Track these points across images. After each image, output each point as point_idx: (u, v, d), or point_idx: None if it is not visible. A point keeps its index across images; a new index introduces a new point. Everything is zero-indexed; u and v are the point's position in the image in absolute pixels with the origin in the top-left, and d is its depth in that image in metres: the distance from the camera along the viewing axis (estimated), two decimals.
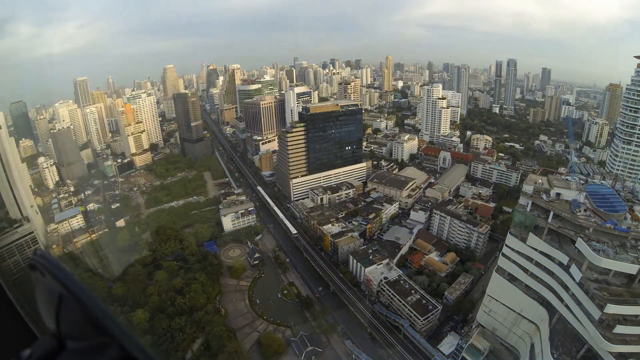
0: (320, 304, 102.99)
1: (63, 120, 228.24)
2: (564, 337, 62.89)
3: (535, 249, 69.31)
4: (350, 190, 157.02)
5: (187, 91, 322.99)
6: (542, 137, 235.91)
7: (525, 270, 72.09)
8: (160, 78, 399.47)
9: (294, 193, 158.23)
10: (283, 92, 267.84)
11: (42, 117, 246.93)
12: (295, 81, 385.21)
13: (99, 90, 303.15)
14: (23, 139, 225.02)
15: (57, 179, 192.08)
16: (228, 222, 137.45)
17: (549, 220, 67.51)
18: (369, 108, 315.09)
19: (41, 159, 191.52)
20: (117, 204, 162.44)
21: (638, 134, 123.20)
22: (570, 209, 67.43)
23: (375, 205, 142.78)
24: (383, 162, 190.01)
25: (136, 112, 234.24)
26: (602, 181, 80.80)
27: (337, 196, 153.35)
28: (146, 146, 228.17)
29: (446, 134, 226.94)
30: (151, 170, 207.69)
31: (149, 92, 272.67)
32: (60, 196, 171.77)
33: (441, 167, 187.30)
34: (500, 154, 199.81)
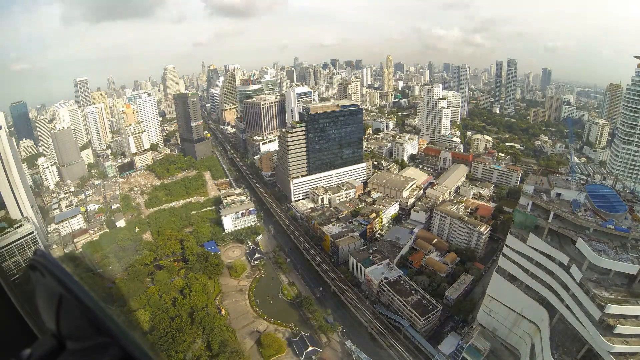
0: (321, 304, 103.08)
1: (63, 121, 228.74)
2: (564, 337, 62.80)
3: (536, 249, 69.25)
4: (351, 191, 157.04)
5: (187, 91, 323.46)
6: (543, 137, 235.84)
7: (526, 271, 72.04)
8: (160, 78, 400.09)
9: (295, 193, 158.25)
10: (283, 92, 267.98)
11: (42, 117, 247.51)
12: (295, 81, 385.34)
13: (100, 91, 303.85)
14: (23, 139, 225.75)
15: (58, 179, 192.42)
16: (228, 222, 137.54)
17: (550, 220, 67.48)
18: (370, 108, 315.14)
19: (41, 159, 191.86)
20: (118, 204, 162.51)
21: (638, 134, 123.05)
22: (570, 209, 67.41)
23: (375, 206, 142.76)
24: (383, 162, 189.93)
25: (136, 112, 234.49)
26: (603, 181, 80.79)
27: (338, 196, 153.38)
28: (146, 146, 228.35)
29: (446, 134, 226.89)
30: (151, 171, 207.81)
31: (150, 92, 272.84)
32: (61, 196, 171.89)
33: (441, 167, 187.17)
34: (500, 154, 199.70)
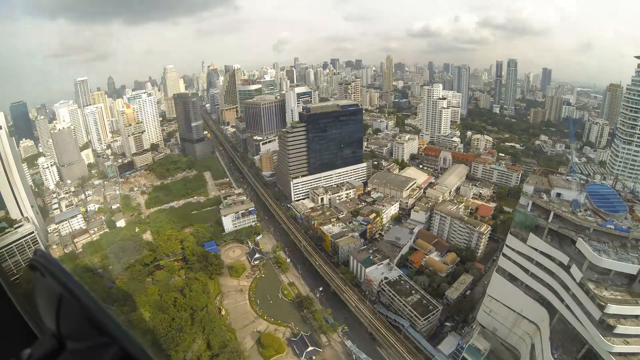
0: (321, 304, 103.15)
1: (63, 121, 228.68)
2: (564, 337, 62.82)
3: (536, 249, 69.25)
4: (351, 191, 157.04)
5: (187, 91, 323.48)
6: (543, 137, 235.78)
7: (526, 271, 72.05)
8: (160, 78, 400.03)
9: (295, 193, 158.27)
10: (284, 92, 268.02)
11: (42, 117, 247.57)
12: (295, 81, 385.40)
13: (100, 91, 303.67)
14: (23, 139, 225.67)
15: (58, 179, 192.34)
16: (229, 222, 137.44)
17: (550, 220, 67.46)
18: (370, 108, 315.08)
19: (41, 159, 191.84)
20: (118, 204, 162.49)
21: (638, 134, 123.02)
22: (570, 209, 67.39)
23: (375, 206, 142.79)
24: (383, 162, 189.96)
25: (136, 112, 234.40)
26: (603, 181, 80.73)
27: (338, 196, 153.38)
28: (146, 146, 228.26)
29: (446, 134, 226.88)
30: (152, 171, 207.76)
31: (150, 92, 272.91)
32: (61, 196, 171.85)
33: (441, 167, 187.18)
34: (500, 154, 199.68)
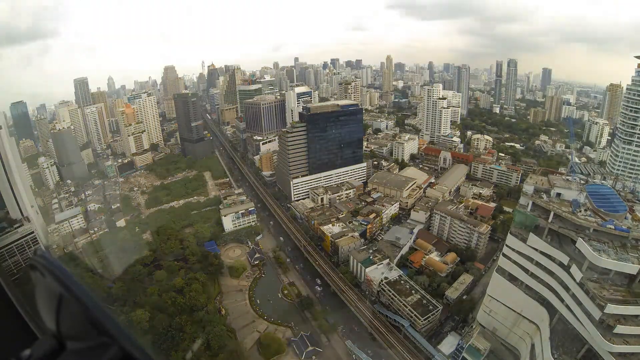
0: (321, 304, 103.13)
1: (63, 121, 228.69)
2: (564, 337, 62.84)
3: (536, 249, 69.28)
4: (351, 190, 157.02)
5: (187, 91, 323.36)
6: (543, 137, 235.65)
7: (526, 270, 72.07)
8: (160, 78, 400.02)
9: (295, 193, 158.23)
10: (283, 92, 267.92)
11: (42, 117, 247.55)
12: (295, 81, 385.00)
13: (100, 90, 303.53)
14: (23, 139, 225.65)
15: (58, 179, 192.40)
16: (228, 222, 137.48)
17: (550, 220, 67.46)
18: (370, 108, 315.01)
19: (41, 159, 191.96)
20: (118, 204, 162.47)
21: (638, 134, 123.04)
22: (570, 209, 67.39)
23: (375, 205, 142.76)
24: (383, 162, 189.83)
25: (136, 112, 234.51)
26: (603, 181, 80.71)
27: (338, 196, 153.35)
28: (146, 146, 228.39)
29: (446, 134, 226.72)
30: (152, 170, 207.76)
31: (150, 92, 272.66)
32: (61, 196, 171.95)
33: (441, 167, 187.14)
34: (500, 154, 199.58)
